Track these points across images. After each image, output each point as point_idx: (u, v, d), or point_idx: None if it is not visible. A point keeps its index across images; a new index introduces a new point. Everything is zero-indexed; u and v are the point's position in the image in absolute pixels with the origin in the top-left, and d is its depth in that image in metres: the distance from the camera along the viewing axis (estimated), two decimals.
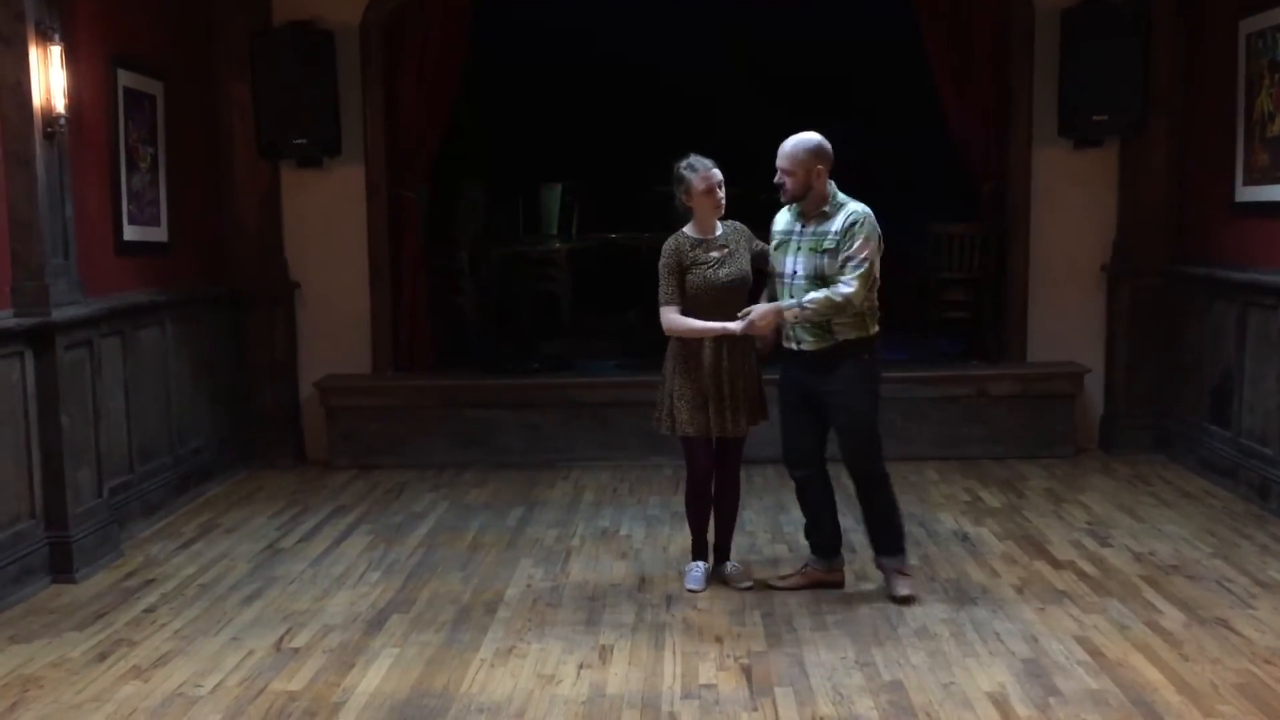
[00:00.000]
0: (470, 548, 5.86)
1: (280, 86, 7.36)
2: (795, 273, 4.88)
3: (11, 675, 4.32)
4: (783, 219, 5.03)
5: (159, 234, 6.75)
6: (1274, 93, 6.24)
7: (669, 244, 5.05)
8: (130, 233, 6.39)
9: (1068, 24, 7.36)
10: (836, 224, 4.81)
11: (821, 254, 4.81)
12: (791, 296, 4.86)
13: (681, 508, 6.44)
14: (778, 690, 4.09)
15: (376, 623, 4.82)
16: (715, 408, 4.99)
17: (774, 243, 5.02)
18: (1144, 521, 6.06)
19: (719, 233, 5.07)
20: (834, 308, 4.76)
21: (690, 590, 5.13)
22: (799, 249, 4.88)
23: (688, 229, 5.07)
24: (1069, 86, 7.37)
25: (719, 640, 4.56)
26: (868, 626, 4.66)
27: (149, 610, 5.02)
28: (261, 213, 7.67)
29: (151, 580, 5.42)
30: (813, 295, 4.78)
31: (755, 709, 3.96)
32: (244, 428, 7.63)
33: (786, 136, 4.94)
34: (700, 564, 5.27)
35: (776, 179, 4.91)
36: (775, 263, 5.00)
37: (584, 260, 9.65)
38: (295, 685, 4.21)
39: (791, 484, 5.22)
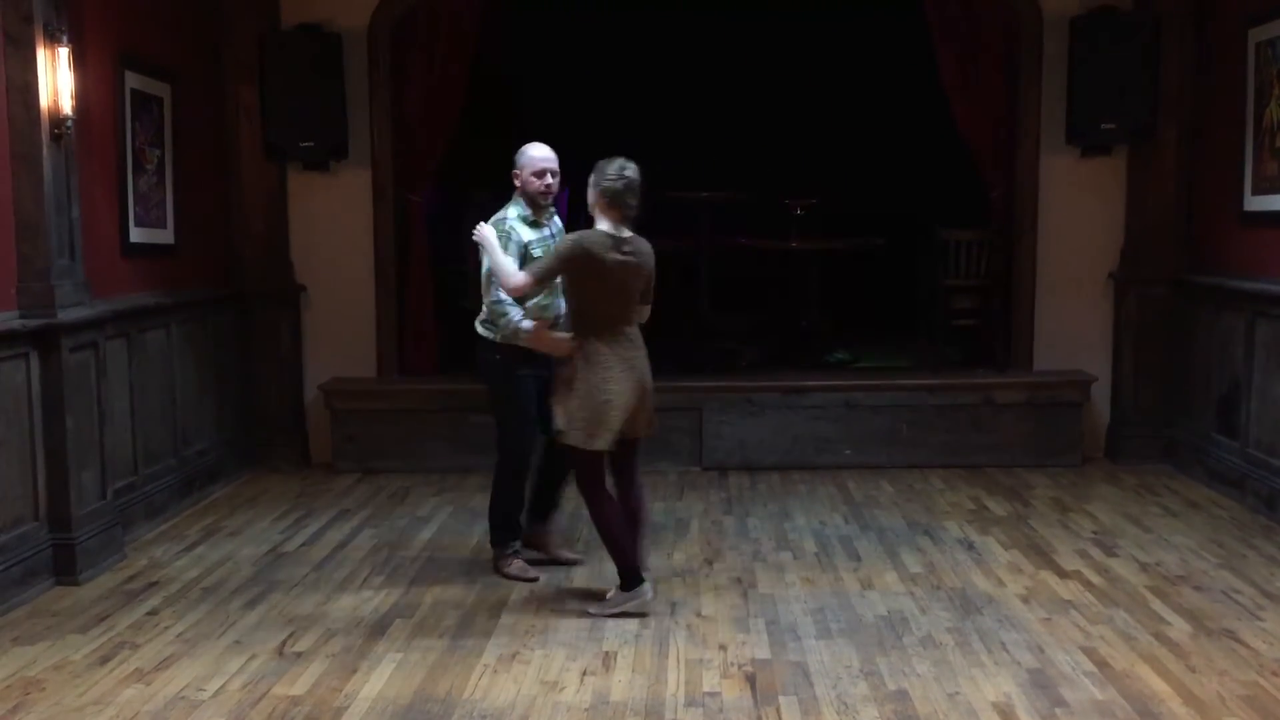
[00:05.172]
0: (474, 552, 5.85)
1: (288, 89, 7.38)
2: None
3: (14, 677, 4.31)
4: (529, 230, 5.16)
5: (165, 236, 6.76)
6: None
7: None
8: (136, 235, 6.39)
9: (1076, 31, 7.35)
10: (558, 224, 5.34)
11: None
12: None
13: (685, 514, 6.46)
14: (782, 699, 4.07)
15: (380, 627, 4.81)
16: None
17: (538, 251, 5.13)
18: (1151, 531, 6.04)
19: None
20: None
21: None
22: None
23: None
24: (1077, 94, 7.36)
25: (723, 648, 4.54)
26: (873, 635, 4.64)
27: (152, 613, 5.01)
28: (268, 215, 7.67)
29: (155, 583, 5.42)
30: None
31: (759, 717, 3.94)
32: (249, 430, 7.63)
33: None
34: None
35: (554, 184, 5.17)
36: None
37: None
38: (298, 690, 4.19)
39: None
